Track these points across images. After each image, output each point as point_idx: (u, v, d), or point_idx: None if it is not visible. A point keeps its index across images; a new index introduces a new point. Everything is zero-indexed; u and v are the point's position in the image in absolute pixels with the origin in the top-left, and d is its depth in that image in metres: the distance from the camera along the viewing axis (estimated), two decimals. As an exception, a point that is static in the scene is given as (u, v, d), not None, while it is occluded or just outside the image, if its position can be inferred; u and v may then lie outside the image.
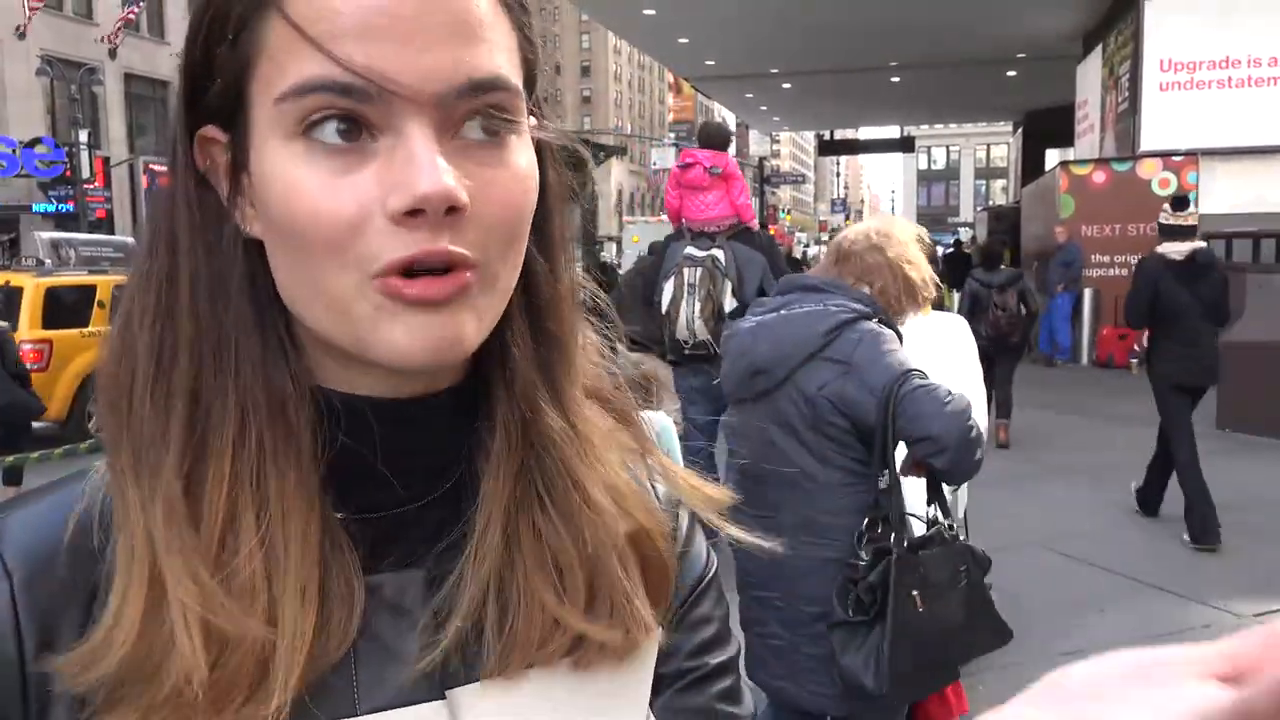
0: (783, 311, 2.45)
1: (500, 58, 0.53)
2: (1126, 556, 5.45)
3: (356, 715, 0.55)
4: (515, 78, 0.54)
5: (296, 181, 0.51)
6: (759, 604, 2.54)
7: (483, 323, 0.55)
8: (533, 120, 0.59)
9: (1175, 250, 5.79)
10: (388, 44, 0.49)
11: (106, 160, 27.26)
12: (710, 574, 0.71)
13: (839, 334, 2.37)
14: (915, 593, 2.30)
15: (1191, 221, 5.94)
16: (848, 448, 2.39)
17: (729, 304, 5.15)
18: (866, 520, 2.36)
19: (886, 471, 2.38)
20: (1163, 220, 6.08)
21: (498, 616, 0.57)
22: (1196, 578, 5.08)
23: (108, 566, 0.53)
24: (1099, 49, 16.17)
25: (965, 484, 4.21)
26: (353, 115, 0.50)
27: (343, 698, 0.55)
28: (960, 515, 4.30)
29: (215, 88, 0.54)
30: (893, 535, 2.33)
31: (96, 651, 0.50)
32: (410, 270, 0.51)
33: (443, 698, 0.57)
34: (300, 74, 0.50)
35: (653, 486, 0.68)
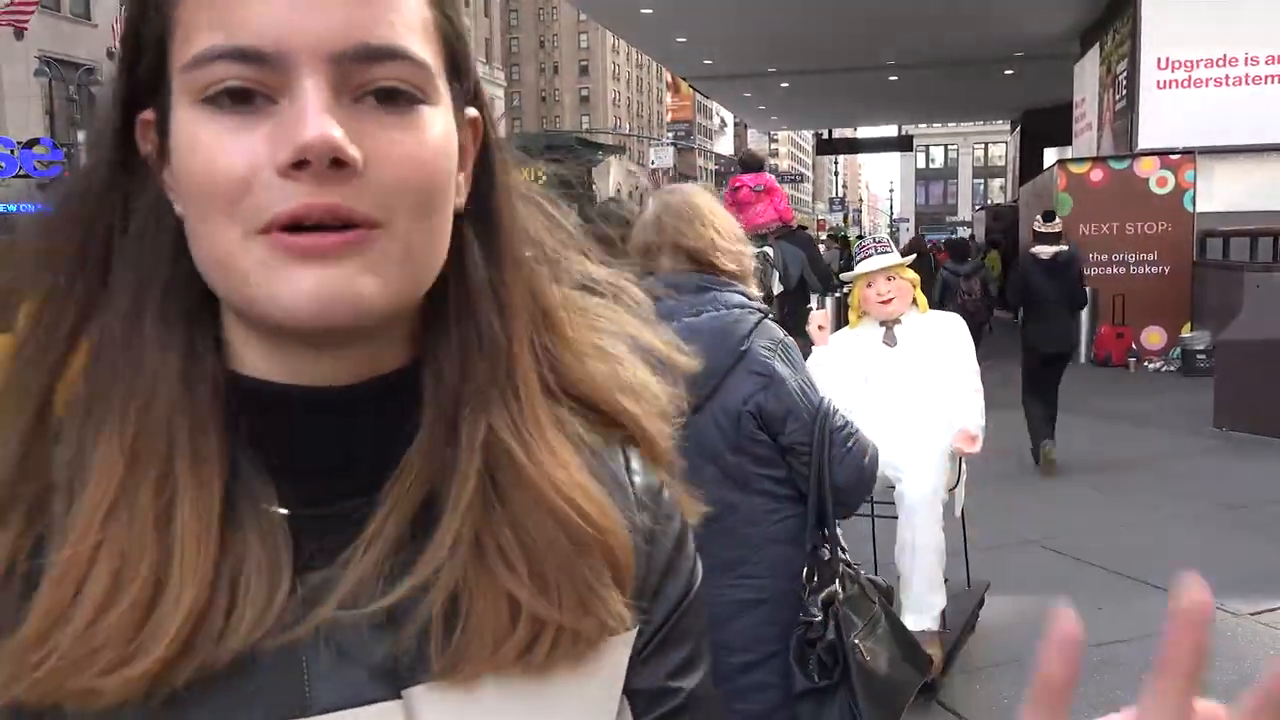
0: (686, 320, 2.11)
1: (403, 30, 0.53)
2: (1124, 554, 5.46)
3: (309, 715, 0.54)
4: (424, 53, 0.54)
5: (195, 140, 0.51)
6: None
7: (389, 288, 0.53)
8: (472, 111, 0.59)
9: (1043, 252, 7.61)
10: (283, 6, 0.50)
11: (104, 160, 27.21)
12: (697, 585, 0.70)
13: (752, 340, 2.16)
14: (858, 642, 2.13)
15: (1056, 229, 7.71)
16: (768, 466, 2.17)
17: (776, 288, 7.16)
18: (805, 570, 2.15)
19: (822, 521, 2.19)
20: (1035, 229, 7.78)
21: (453, 609, 0.56)
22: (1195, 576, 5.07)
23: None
24: (1096, 47, 16.17)
25: (962, 483, 4.22)
26: (250, 80, 0.51)
27: (293, 695, 0.54)
28: (958, 514, 4.31)
29: (142, 64, 0.55)
30: (836, 584, 2.14)
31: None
32: (299, 226, 0.51)
33: (398, 697, 0.55)
34: (201, 42, 0.51)
35: (631, 482, 0.66)
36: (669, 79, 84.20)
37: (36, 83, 26.35)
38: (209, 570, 0.52)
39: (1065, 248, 7.69)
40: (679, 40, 19.99)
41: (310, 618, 0.54)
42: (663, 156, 78.86)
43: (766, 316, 2.22)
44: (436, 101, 0.55)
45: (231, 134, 0.51)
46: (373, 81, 0.52)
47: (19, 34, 26.21)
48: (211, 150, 0.51)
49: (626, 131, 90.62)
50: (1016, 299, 8.00)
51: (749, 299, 2.22)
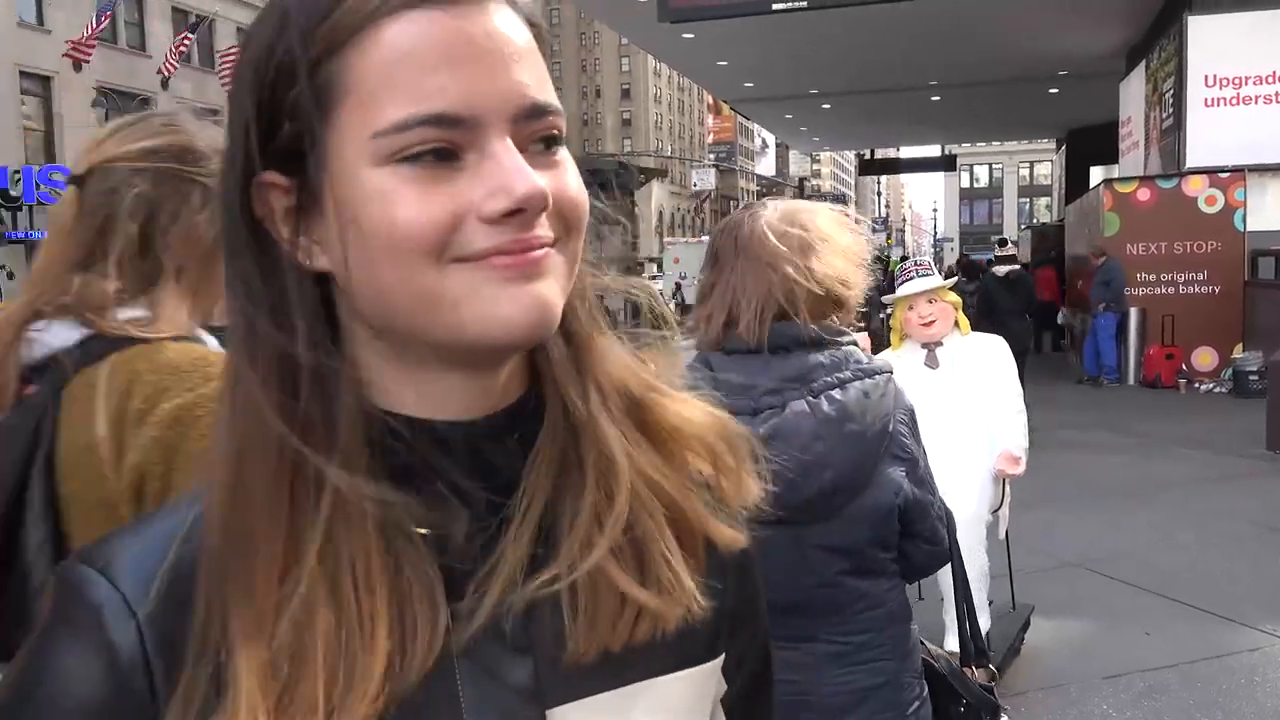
0: (835, 395, 1.78)
1: (546, 82, 0.60)
2: (1170, 578, 5.39)
3: None
4: (556, 100, 0.61)
5: (395, 198, 0.56)
6: None
7: (562, 295, 0.61)
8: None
9: (1000, 270, 11.38)
10: (468, 73, 0.56)
11: (158, 187, 27.83)
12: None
13: (895, 416, 1.84)
14: None
15: (1010, 253, 12.97)
16: (890, 550, 1.91)
17: None
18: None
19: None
20: (995, 254, 12.48)
21: (577, 609, 0.62)
22: (1242, 601, 5.00)
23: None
24: (1142, 65, 16.01)
25: (1006, 506, 4.20)
26: (445, 142, 0.56)
27: (450, 718, 0.59)
28: (1001, 536, 4.30)
29: (285, 131, 0.58)
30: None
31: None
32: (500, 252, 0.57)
33: (543, 717, 0.61)
34: (395, 113, 0.55)
35: (708, 485, 0.72)
36: (710, 101, 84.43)
37: (94, 113, 27.07)
38: (386, 612, 0.56)
39: (1018, 267, 11.76)
40: (720, 64, 20.09)
41: (461, 646, 0.59)
42: (705, 178, 79.00)
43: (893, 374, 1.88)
44: (564, 143, 0.62)
45: (429, 188, 0.56)
46: (536, 132, 0.59)
47: (78, 66, 26.99)
48: (415, 205, 0.56)
49: (668, 154, 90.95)
50: (982, 313, 9.87)
51: (864, 356, 1.86)
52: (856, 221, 1.92)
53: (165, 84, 30.73)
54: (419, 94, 0.55)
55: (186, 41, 30.00)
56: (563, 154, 0.61)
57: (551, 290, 0.59)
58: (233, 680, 0.54)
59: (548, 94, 0.60)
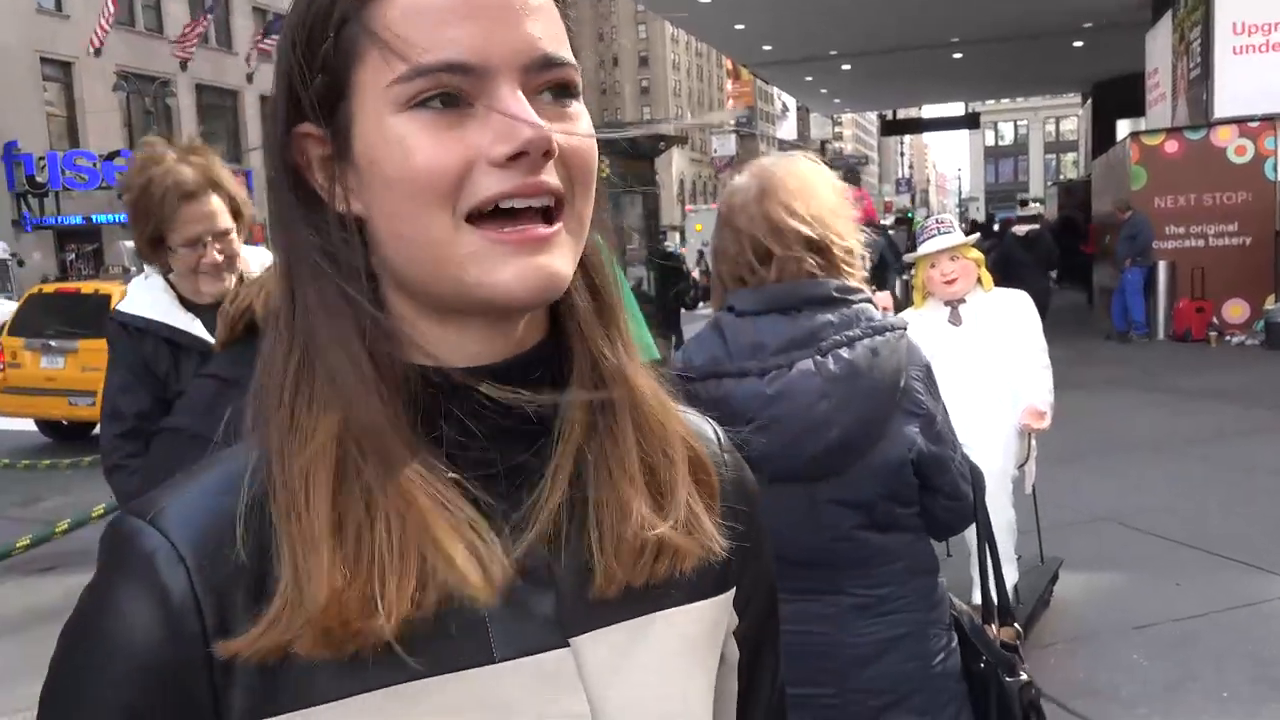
0: (843, 353, 1.79)
1: (560, 38, 0.63)
2: (1200, 529, 5.38)
3: (494, 662, 0.63)
4: (570, 55, 0.64)
5: (411, 142, 0.60)
6: (797, 706, 2.02)
7: (571, 261, 0.64)
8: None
9: (1021, 229, 12.55)
10: (479, 25, 0.60)
11: (183, 169, 27.99)
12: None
13: (909, 372, 1.84)
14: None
15: (1033, 213, 14.12)
16: (910, 505, 1.92)
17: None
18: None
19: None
20: (1017, 214, 13.80)
21: (601, 547, 0.67)
22: (1273, 551, 4.99)
23: (267, 543, 0.60)
24: (1168, 15, 15.71)
25: (1033, 460, 4.21)
26: (456, 89, 0.60)
27: (480, 647, 0.63)
28: (1028, 491, 4.31)
29: (318, 82, 0.62)
30: (1023, 673, 1.97)
31: (277, 619, 0.58)
32: (508, 210, 0.60)
33: (566, 645, 0.65)
34: (412, 61, 0.59)
35: (716, 433, 0.79)
36: (729, 66, 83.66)
37: (115, 97, 27.25)
38: (427, 535, 0.61)
39: (1037, 226, 12.92)
40: (738, 27, 19.90)
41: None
42: (725, 145, 78.49)
43: (906, 330, 1.89)
44: (579, 96, 0.65)
45: (443, 133, 0.60)
46: (547, 83, 0.62)
47: (97, 51, 27.14)
48: (429, 149, 0.59)
49: (688, 121, 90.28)
50: (1000, 269, 10.01)
51: (876, 304, 1.88)
52: (840, 183, 1.93)
53: (184, 66, 30.85)
54: (433, 44, 0.59)
55: (203, 23, 30.07)
56: (576, 107, 0.64)
57: (558, 260, 0.62)
58: (284, 581, 0.59)
59: (560, 48, 0.63)
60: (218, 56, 32.67)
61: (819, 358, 1.79)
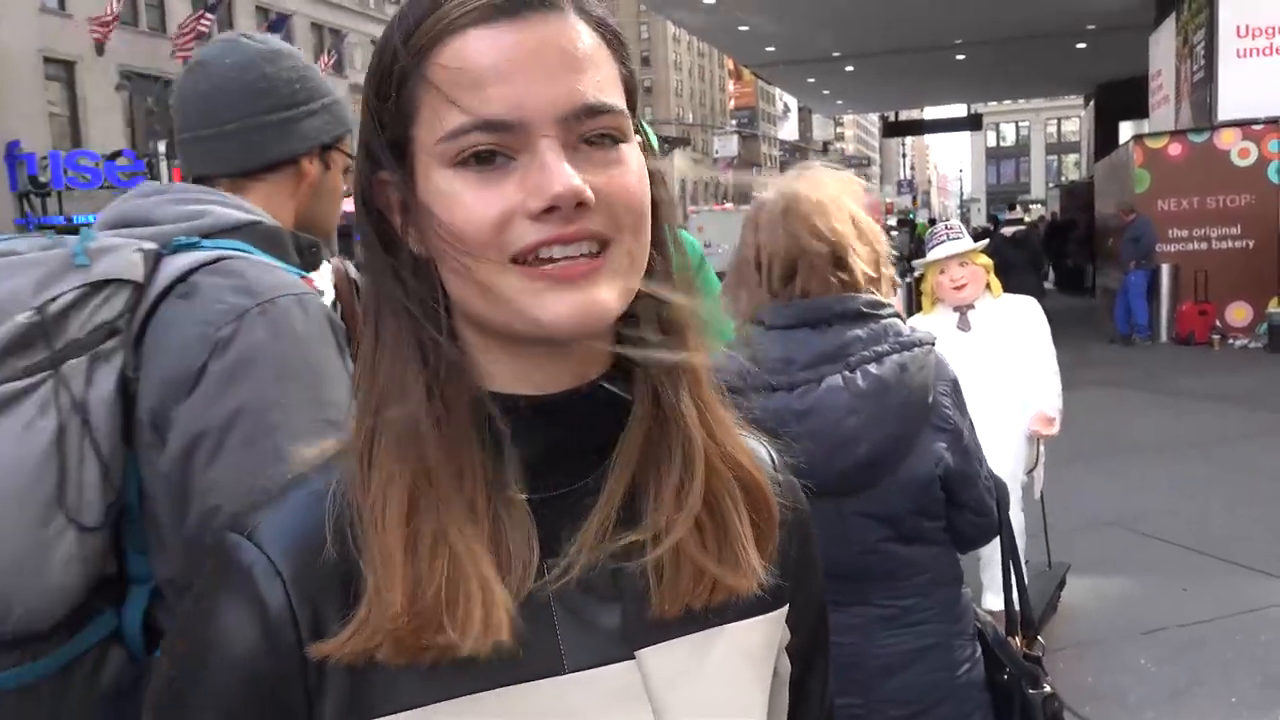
0: (871, 369, 1.79)
1: (607, 85, 0.66)
2: (1206, 534, 5.39)
3: (564, 673, 0.67)
4: (620, 102, 0.66)
5: (455, 197, 0.64)
6: None
7: (620, 296, 0.66)
8: (638, 137, 0.71)
9: (1010, 230, 14.64)
10: (519, 82, 0.62)
11: (184, 169, 28.02)
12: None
13: (936, 388, 1.84)
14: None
15: (1019, 216, 21.64)
16: (936, 519, 1.92)
17: None
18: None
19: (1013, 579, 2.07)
20: (1004, 217, 18.99)
21: (659, 576, 0.69)
22: (1278, 554, 5.01)
23: (357, 555, 0.64)
24: (1172, 17, 15.71)
25: (1041, 466, 4.22)
26: (492, 144, 0.63)
27: (552, 659, 0.67)
28: (1037, 496, 4.32)
29: (384, 137, 0.67)
30: (1046, 685, 1.97)
31: (363, 624, 0.62)
32: (549, 256, 0.63)
33: (632, 658, 0.69)
34: (454, 121, 0.63)
35: (771, 456, 0.81)
36: (731, 66, 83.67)
37: (118, 96, 27.26)
38: (489, 553, 0.64)
39: (1023, 228, 14.64)
40: (741, 29, 19.91)
41: (556, 594, 0.67)
42: (727, 145, 78.48)
43: (934, 345, 1.89)
44: (630, 139, 0.67)
45: (483, 190, 0.63)
46: (589, 131, 0.65)
47: (99, 48, 27.14)
48: (471, 204, 0.63)
49: (690, 121, 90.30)
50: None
51: (905, 327, 1.88)
52: (865, 182, 1.97)
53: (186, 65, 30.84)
54: (473, 105, 0.62)
55: (205, 20, 30.06)
56: (623, 150, 0.66)
57: (603, 292, 0.64)
58: (369, 589, 0.63)
59: (605, 94, 0.65)
60: (220, 56, 32.65)
61: (848, 373, 1.80)
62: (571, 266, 0.63)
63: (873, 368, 1.79)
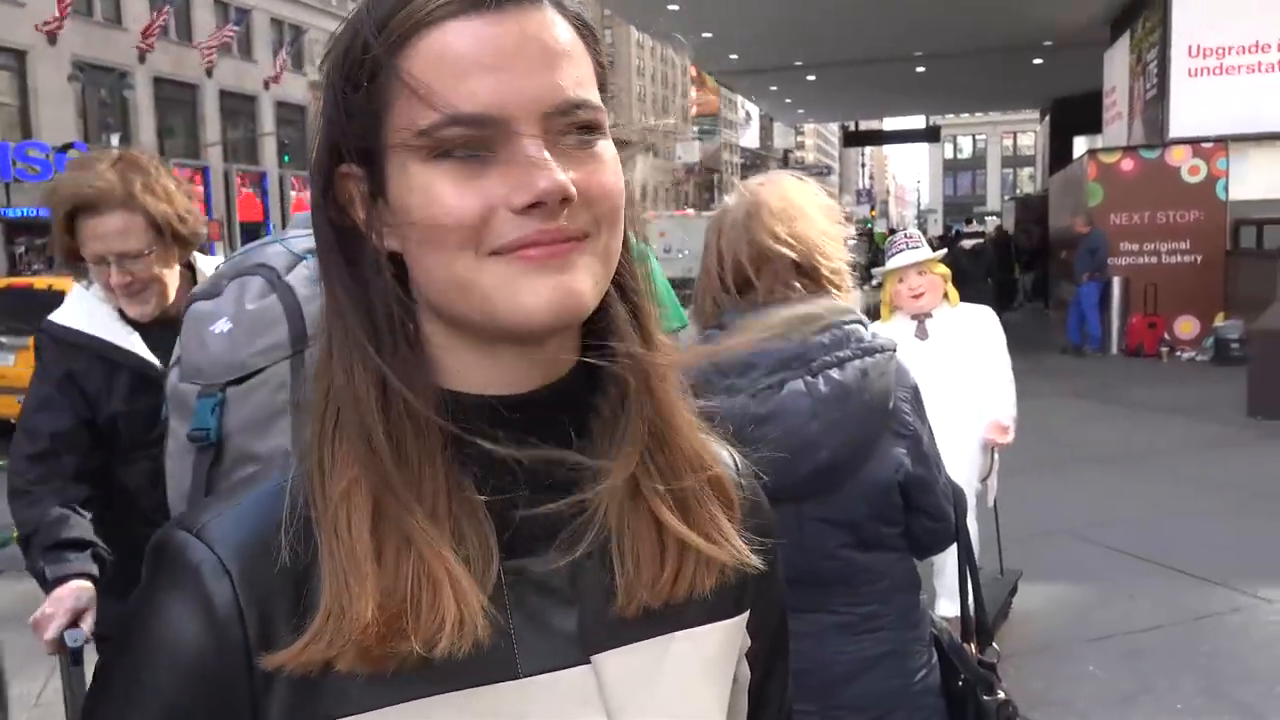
0: (833, 374, 1.79)
1: (585, 80, 0.65)
2: (1154, 543, 5.48)
3: (518, 677, 0.66)
4: (598, 97, 0.66)
5: (434, 190, 0.62)
6: None
7: (598, 285, 0.65)
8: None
9: (968, 244, 18.07)
10: (500, 76, 0.61)
11: (138, 163, 27.50)
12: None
13: (896, 393, 1.84)
14: None
15: (976, 229, 24.81)
16: (895, 525, 1.92)
17: None
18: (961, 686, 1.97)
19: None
20: (962, 230, 25.43)
21: (622, 569, 0.69)
22: (1225, 564, 5.10)
23: (309, 557, 0.63)
24: (1126, 35, 16.03)
25: (995, 474, 4.27)
26: (475, 138, 0.61)
27: (506, 662, 0.65)
28: (990, 504, 4.36)
29: (353, 129, 0.65)
30: (1000, 691, 1.97)
31: (319, 634, 0.61)
32: (529, 244, 0.62)
33: (588, 662, 0.68)
34: (434, 114, 0.61)
35: (734, 458, 0.80)
36: (694, 73, 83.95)
37: (70, 88, 26.72)
38: (451, 555, 0.63)
39: (981, 240, 15.62)
40: (704, 35, 19.99)
41: (514, 595, 0.66)
42: (689, 151, 78.71)
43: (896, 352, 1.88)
44: (606, 134, 0.66)
45: (463, 183, 0.62)
46: (569, 126, 0.64)
47: (52, 39, 26.61)
48: (451, 198, 0.62)
49: (651, 126, 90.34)
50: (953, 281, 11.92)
51: (867, 325, 1.87)
52: (829, 193, 1.95)
53: (143, 58, 30.35)
54: (454, 98, 0.61)
55: (166, 13, 29.61)
56: (601, 146, 0.65)
57: (580, 280, 0.63)
58: (327, 599, 0.61)
59: (584, 90, 0.64)
60: (177, 50, 32.16)
61: (809, 378, 1.79)
62: (553, 248, 0.62)
63: (835, 373, 1.79)
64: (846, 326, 1.83)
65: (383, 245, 0.65)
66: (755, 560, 0.73)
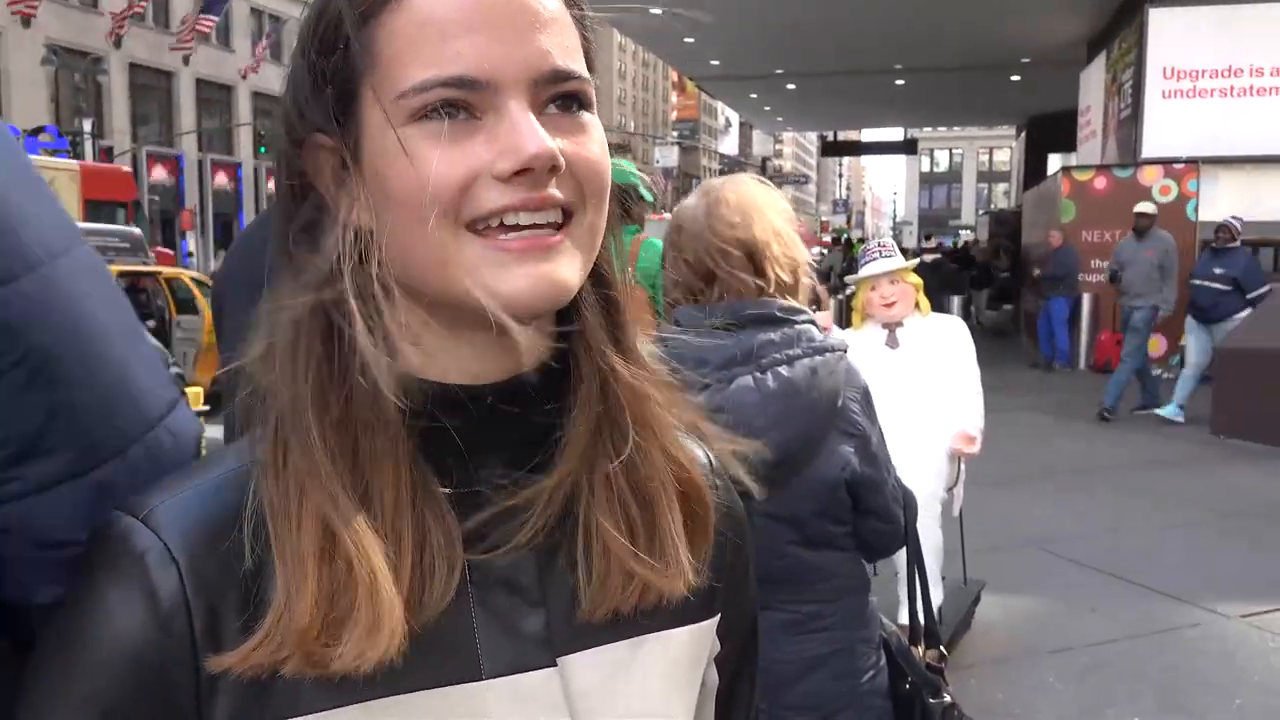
0: (782, 371, 1.82)
1: (573, 50, 0.63)
2: (1117, 558, 5.53)
3: (482, 679, 0.63)
4: (584, 68, 0.63)
5: (416, 154, 0.59)
6: None
7: (580, 271, 0.63)
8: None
9: (927, 258, 17.25)
10: (488, 39, 0.59)
11: (109, 150, 27.26)
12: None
13: (845, 393, 1.87)
14: None
15: (934, 245, 24.61)
16: (844, 524, 1.94)
17: None
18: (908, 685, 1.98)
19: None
20: (922, 247, 23.16)
21: (589, 575, 0.66)
22: (1187, 579, 5.15)
23: (264, 552, 0.59)
24: (1103, 55, 16.22)
25: (961, 484, 4.29)
26: (461, 101, 0.59)
27: (469, 663, 0.63)
28: (956, 514, 4.38)
29: (327, 94, 0.62)
30: (946, 695, 1.98)
31: (269, 636, 0.57)
32: (514, 223, 0.59)
33: (554, 665, 0.65)
34: (417, 75, 0.58)
35: (709, 458, 0.77)
36: (675, 78, 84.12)
37: (43, 70, 26.37)
38: (410, 557, 0.60)
39: (939, 255, 15.60)
40: (687, 40, 20.04)
41: (480, 594, 0.63)
42: (668, 156, 78.86)
43: (847, 353, 1.91)
44: (593, 107, 0.64)
45: (448, 146, 0.59)
46: (556, 95, 0.61)
47: (26, 21, 26.25)
48: (431, 163, 0.58)
49: (631, 130, 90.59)
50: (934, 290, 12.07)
51: (819, 327, 1.90)
52: (790, 211, 1.95)
53: (118, 44, 30.00)
54: (439, 58, 0.58)
55: (206, 21, 29.32)
56: (587, 118, 0.63)
57: (564, 269, 0.61)
58: (278, 599, 0.58)
59: (571, 60, 0.62)
60: (154, 36, 31.81)
61: (758, 374, 1.81)
62: (535, 239, 0.60)
63: (783, 370, 1.81)
64: (798, 325, 1.85)
65: (355, 220, 0.62)
66: (698, 582, 0.70)
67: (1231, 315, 9.26)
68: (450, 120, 0.59)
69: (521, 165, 0.58)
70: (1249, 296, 9.28)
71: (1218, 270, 9.45)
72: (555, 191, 0.60)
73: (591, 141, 0.63)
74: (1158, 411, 9.56)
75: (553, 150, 0.59)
